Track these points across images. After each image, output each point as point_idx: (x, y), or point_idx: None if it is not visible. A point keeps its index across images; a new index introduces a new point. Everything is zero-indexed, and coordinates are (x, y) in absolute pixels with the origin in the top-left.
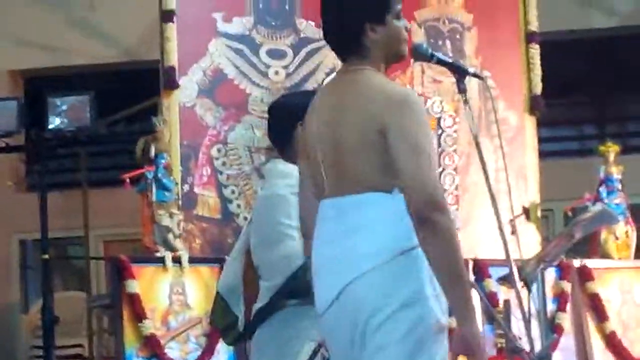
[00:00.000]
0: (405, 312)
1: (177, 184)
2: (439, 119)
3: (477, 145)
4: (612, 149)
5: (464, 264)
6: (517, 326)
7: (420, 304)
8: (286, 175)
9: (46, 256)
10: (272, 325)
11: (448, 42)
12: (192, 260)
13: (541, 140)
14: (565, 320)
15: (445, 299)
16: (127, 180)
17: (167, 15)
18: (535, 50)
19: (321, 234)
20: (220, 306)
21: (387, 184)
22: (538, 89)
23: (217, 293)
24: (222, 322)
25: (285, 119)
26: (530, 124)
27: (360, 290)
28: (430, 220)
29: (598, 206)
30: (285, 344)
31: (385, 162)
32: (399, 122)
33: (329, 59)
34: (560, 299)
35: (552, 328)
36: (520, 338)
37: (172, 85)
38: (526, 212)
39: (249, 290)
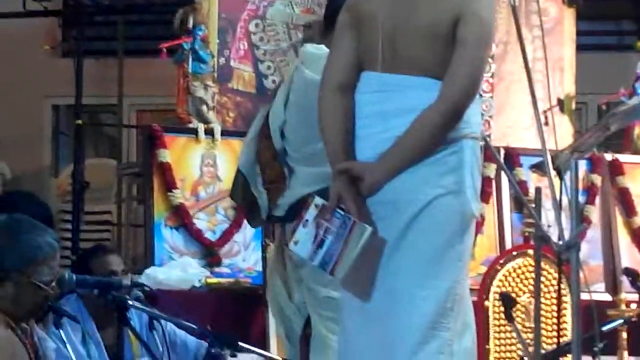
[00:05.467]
0: (446, 200)
1: (213, 56)
2: None
3: (519, 31)
4: None
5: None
6: (545, 215)
7: (460, 193)
8: None
9: (79, 122)
10: None
11: None
12: (225, 133)
13: (579, 33)
14: (593, 213)
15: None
16: (164, 50)
17: None
18: None
19: (366, 106)
20: (240, 182)
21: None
22: None
23: (238, 170)
24: (240, 198)
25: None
26: (569, 15)
27: (406, 175)
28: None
29: (634, 100)
30: None
31: (451, 54)
32: (474, 9)
33: None
34: (590, 191)
35: (580, 220)
36: (549, 226)
37: None
38: (560, 103)
39: (268, 172)
